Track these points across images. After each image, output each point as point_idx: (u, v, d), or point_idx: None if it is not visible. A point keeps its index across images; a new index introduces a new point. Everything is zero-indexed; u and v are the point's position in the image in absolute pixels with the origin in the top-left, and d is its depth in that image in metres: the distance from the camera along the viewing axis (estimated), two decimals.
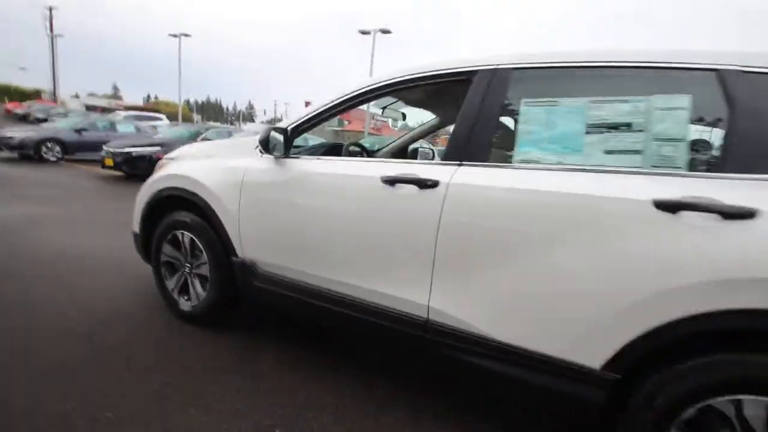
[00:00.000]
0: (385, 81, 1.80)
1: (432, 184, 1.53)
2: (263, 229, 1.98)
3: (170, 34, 23.75)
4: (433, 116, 3.00)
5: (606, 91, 1.42)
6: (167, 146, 8.02)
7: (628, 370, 1.26)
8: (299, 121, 1.96)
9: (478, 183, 1.47)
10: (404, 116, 2.77)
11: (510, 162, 1.50)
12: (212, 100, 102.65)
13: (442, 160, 1.59)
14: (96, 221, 4.61)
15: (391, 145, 3.31)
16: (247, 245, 2.04)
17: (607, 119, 1.38)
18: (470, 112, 1.57)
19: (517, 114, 1.52)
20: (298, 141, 2.06)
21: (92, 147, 9.76)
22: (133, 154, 7.81)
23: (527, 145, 1.48)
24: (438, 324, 1.53)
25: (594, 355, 1.29)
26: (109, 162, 7.95)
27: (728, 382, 1.13)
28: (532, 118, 1.49)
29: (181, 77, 24.07)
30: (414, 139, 3.30)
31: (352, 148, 2.55)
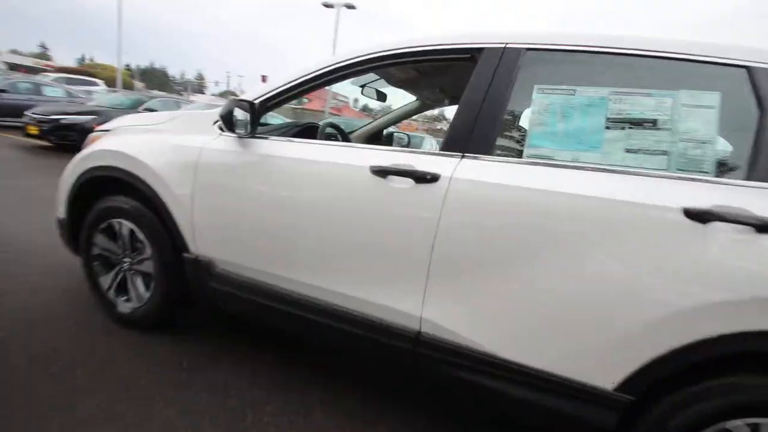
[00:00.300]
0: (373, 53, 1.54)
1: (431, 178, 1.32)
2: (222, 221, 1.68)
3: None
4: (411, 98, 2.78)
5: (629, 81, 1.27)
6: (103, 115, 7.16)
7: (643, 392, 1.15)
8: (268, 94, 1.65)
9: (484, 179, 1.27)
10: (384, 97, 2.51)
11: (519, 156, 1.32)
12: (157, 66, 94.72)
13: (441, 149, 1.38)
14: (18, 199, 3.96)
15: (363, 129, 3.06)
16: (202, 240, 1.73)
17: (629, 114, 1.23)
18: (475, 96, 1.37)
19: (529, 102, 1.34)
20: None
21: (13, 112, 8.49)
22: (63, 121, 6.88)
23: (539, 138, 1.30)
24: (432, 338, 1.35)
25: (608, 376, 1.16)
26: (32, 130, 6.96)
27: (746, 405, 1.06)
28: (545, 108, 1.31)
29: (121, 38, 21.71)
30: (389, 123, 3.07)
31: (328, 130, 2.25)
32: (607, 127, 1.24)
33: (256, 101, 1.62)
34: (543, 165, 1.26)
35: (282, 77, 1.67)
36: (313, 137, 2.06)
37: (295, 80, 1.63)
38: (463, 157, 1.34)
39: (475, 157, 1.32)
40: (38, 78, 13.13)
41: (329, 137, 2.24)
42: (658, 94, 1.22)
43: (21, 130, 7.23)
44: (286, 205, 1.53)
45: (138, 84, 48.43)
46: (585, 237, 1.16)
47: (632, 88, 1.24)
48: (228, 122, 1.58)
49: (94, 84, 17.84)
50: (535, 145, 1.30)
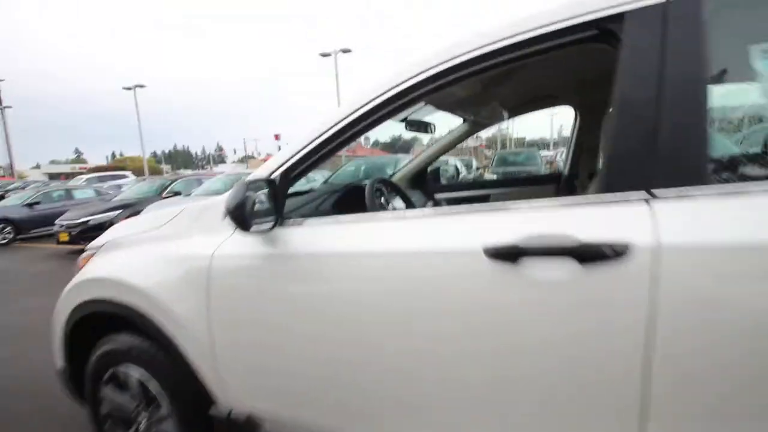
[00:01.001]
0: (443, 63, 0.98)
1: (614, 252, 0.71)
2: (258, 358, 1.12)
3: (124, 87, 22.71)
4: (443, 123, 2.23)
5: None
6: (130, 207, 7.08)
7: None
8: (291, 161, 1.12)
9: (737, 239, 0.66)
10: (431, 128, 1.97)
11: None
12: (179, 147, 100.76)
13: (601, 188, 0.78)
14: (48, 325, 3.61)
15: (404, 171, 2.52)
16: (233, 387, 1.17)
17: None
18: (640, 90, 0.78)
19: (752, 79, 0.75)
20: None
21: (49, 221, 8.65)
22: (91, 222, 6.80)
23: None
24: None
25: None
26: (64, 237, 6.91)
27: None
28: None
29: (142, 130, 23.02)
30: (435, 157, 2.52)
31: (377, 185, 1.65)
32: None
33: (276, 175, 1.10)
34: None
35: (303, 134, 1.14)
36: (359, 203, 1.51)
37: (323, 133, 1.09)
38: (652, 196, 0.73)
39: (681, 194, 0.71)
40: (71, 182, 13.71)
41: (380, 197, 1.67)
42: None
43: (54, 238, 7.21)
44: (354, 327, 0.96)
45: (164, 167, 51.23)
46: None
47: None
48: (240, 218, 1.03)
49: (123, 177, 18.62)
50: None
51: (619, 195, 0.76)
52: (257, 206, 1.04)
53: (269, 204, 1.05)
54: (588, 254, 0.73)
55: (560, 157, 14.43)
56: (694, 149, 0.73)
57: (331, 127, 1.10)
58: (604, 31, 0.86)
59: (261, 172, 1.12)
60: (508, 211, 0.85)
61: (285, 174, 1.12)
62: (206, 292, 1.16)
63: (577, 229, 0.75)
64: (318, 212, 1.35)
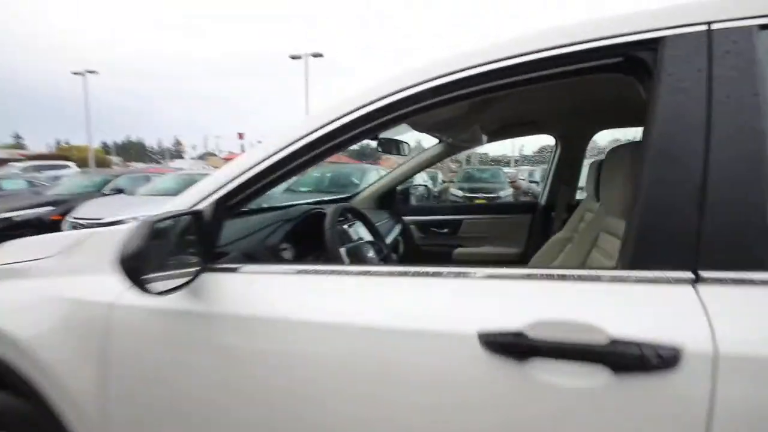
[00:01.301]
0: (428, 82, 0.79)
1: (661, 360, 0.52)
2: None
3: (73, 72, 20.99)
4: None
5: None
6: (64, 204, 6.35)
7: None
8: (230, 185, 0.86)
9: None
10: (403, 149, 1.77)
11: None
12: (133, 139, 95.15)
13: (624, 262, 0.60)
14: None
15: (371, 189, 2.31)
16: None
17: None
18: (685, 135, 0.61)
19: None
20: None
21: None
22: (15, 219, 6.02)
23: None
24: None
25: None
26: None
27: None
28: None
29: (90, 118, 21.38)
30: (405, 177, 2.33)
31: (346, 222, 1.34)
32: None
33: (205, 205, 0.83)
34: None
35: (255, 152, 0.89)
36: (318, 236, 1.26)
37: (276, 153, 0.85)
38: (698, 279, 0.56)
39: (740, 278, 0.54)
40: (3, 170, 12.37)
41: (347, 227, 1.40)
42: None
43: None
44: (297, 418, 0.72)
45: (115, 159, 47.94)
46: None
47: None
48: (134, 272, 0.71)
49: (65, 167, 17.04)
50: None
51: (657, 274, 0.58)
52: (171, 249, 0.77)
53: (193, 243, 0.79)
54: (624, 360, 0.53)
55: (521, 176, 14.84)
56: (753, 217, 0.56)
57: (288, 146, 0.86)
58: (630, 60, 0.69)
59: (183, 201, 0.85)
60: (510, 280, 0.65)
61: (220, 203, 0.86)
62: (101, 352, 0.87)
63: (605, 318, 0.56)
64: (264, 247, 1.09)
